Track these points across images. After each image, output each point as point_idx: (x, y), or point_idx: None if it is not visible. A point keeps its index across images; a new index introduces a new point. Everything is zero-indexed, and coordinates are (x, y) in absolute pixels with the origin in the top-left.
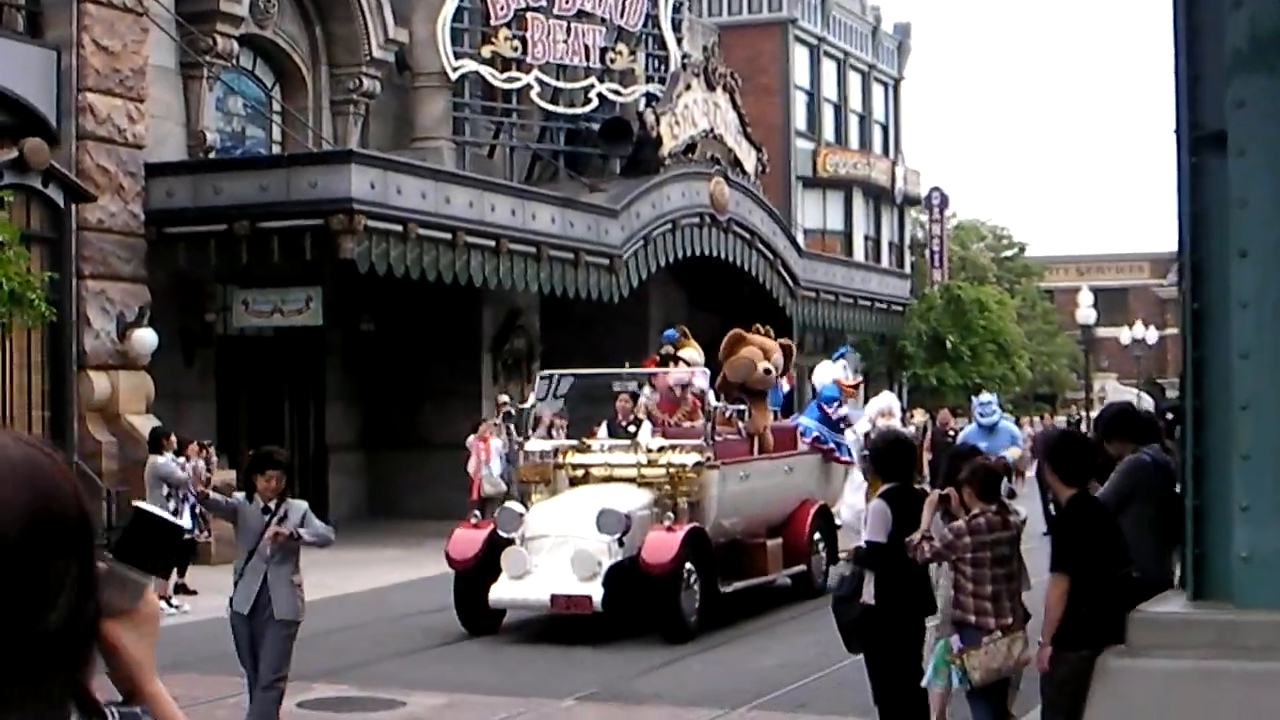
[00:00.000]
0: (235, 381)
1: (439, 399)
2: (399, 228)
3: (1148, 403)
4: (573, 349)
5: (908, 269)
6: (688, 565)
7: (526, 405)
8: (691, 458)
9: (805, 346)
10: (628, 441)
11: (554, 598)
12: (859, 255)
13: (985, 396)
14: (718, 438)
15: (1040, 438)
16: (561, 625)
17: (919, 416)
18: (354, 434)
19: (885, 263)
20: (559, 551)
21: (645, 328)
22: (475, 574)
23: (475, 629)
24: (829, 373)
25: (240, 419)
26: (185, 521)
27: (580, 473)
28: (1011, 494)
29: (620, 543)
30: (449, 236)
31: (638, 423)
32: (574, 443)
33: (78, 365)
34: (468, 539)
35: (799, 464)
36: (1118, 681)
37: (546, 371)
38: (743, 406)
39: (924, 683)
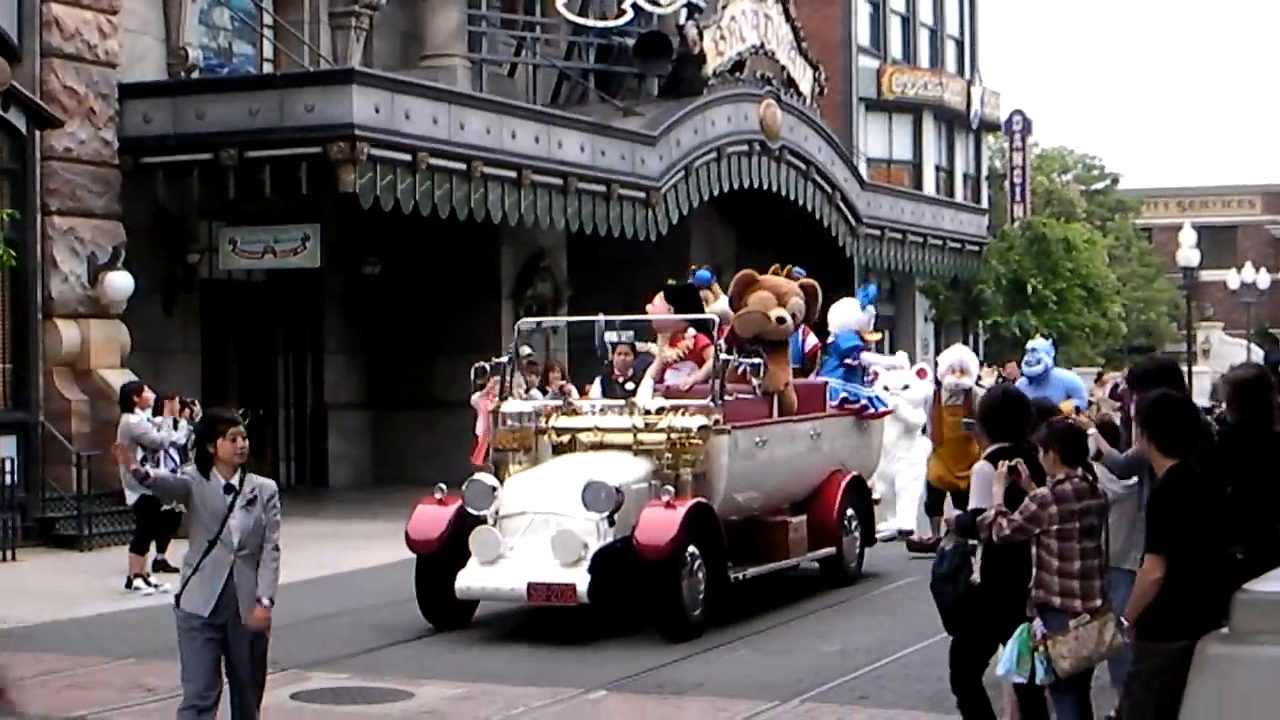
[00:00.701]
0: (222, 332)
1: (453, 352)
2: (407, 157)
3: (1257, 355)
4: (604, 295)
5: (985, 203)
6: (690, 548)
7: (503, 360)
8: (696, 421)
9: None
10: (622, 402)
11: (531, 587)
12: (929, 188)
13: (1034, 342)
14: (728, 397)
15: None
16: (586, 606)
17: (988, 377)
18: (356, 391)
19: (959, 197)
20: (538, 532)
21: (687, 271)
22: (440, 558)
23: (441, 622)
24: (848, 315)
25: (228, 374)
26: None
27: (565, 439)
28: (1098, 455)
29: (610, 521)
30: (463, 167)
31: (637, 379)
32: (558, 403)
33: (43, 313)
34: (431, 517)
35: (828, 428)
36: (1220, 671)
37: (528, 320)
38: (758, 360)
39: (1000, 673)
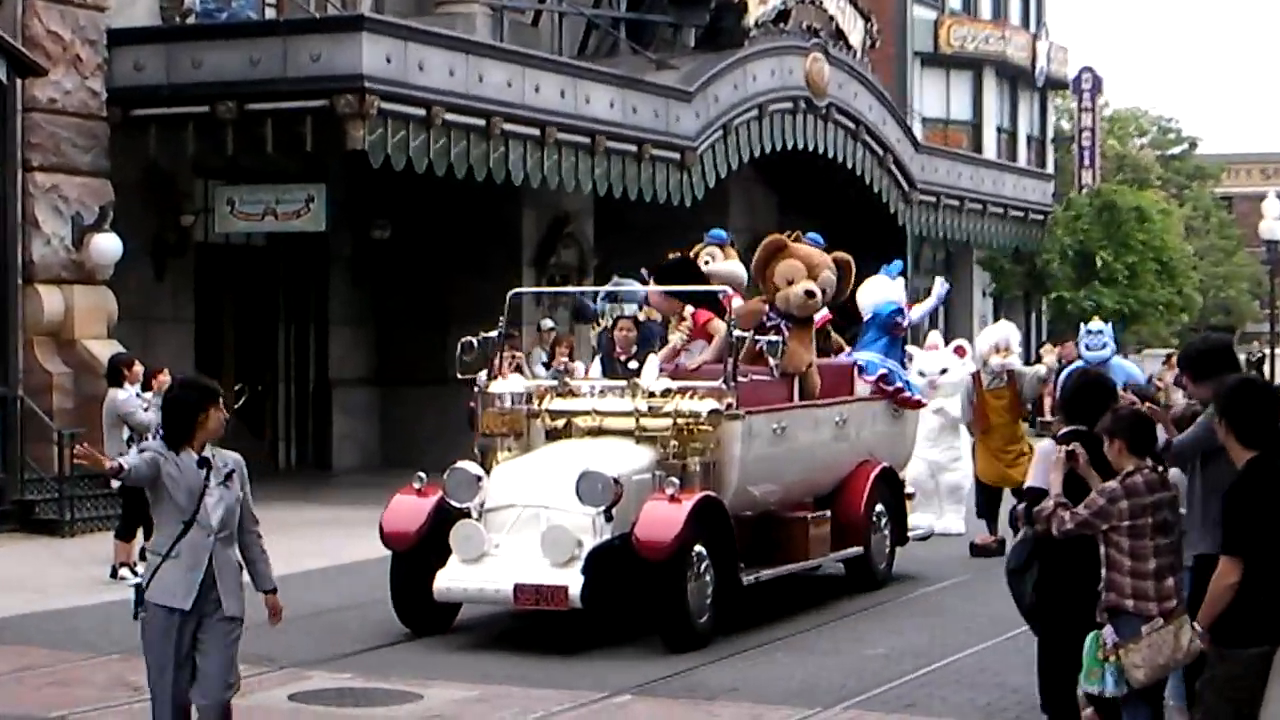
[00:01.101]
0: (217, 300)
1: (468, 323)
2: (421, 112)
3: None
4: (633, 263)
5: (1050, 168)
6: (697, 547)
7: (493, 334)
8: (706, 404)
9: (921, 264)
10: (623, 383)
11: (518, 589)
12: (990, 151)
13: (1095, 324)
14: (742, 379)
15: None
16: (579, 611)
17: (1049, 356)
18: (364, 366)
19: (1022, 161)
20: (527, 528)
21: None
22: (418, 555)
23: (419, 626)
24: (881, 290)
25: (224, 346)
26: None
27: (560, 423)
28: (1167, 445)
29: (608, 516)
30: (482, 123)
31: (642, 358)
32: (553, 383)
33: (23, 279)
34: (408, 509)
35: (856, 413)
36: None
37: (516, 290)
38: (776, 338)
39: (1080, 688)
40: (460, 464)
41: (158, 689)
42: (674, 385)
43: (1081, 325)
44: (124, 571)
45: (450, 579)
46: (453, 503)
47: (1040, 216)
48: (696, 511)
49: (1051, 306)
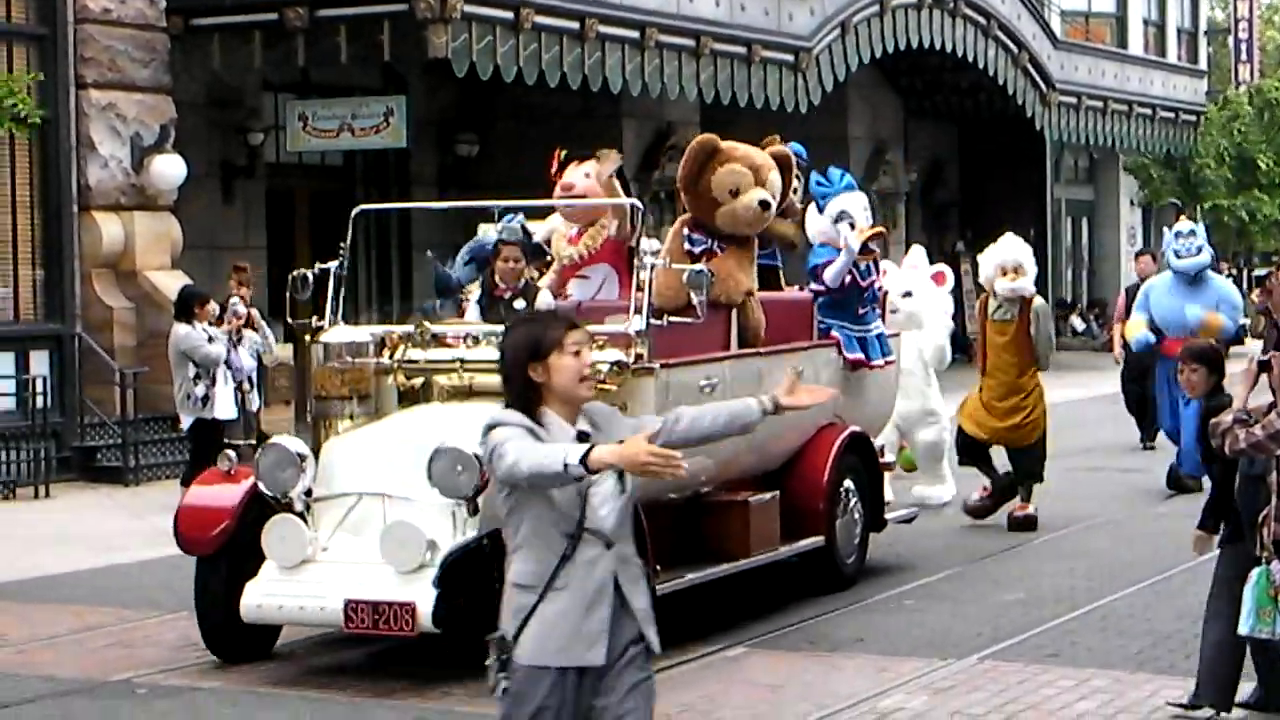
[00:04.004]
0: (289, 225)
1: None
2: (508, 14)
3: None
4: None
5: (1203, 64)
6: None
7: (332, 265)
8: (609, 355)
9: (1063, 171)
10: (502, 328)
11: (350, 607)
12: (1136, 46)
13: (1184, 224)
14: (658, 321)
15: None
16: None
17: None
18: None
19: (1172, 57)
20: (365, 525)
21: (844, 147)
22: (229, 560)
23: (229, 652)
24: (815, 228)
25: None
26: (220, 411)
27: (418, 381)
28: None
29: (472, 508)
30: (576, 26)
31: (528, 292)
32: (405, 329)
33: (79, 206)
34: (210, 500)
35: (814, 363)
36: None
37: (362, 207)
38: (700, 266)
39: (1242, 629)
40: (277, 439)
41: None
42: None
43: (1166, 229)
44: None
45: (263, 594)
46: (266, 491)
47: (1192, 117)
48: None
49: (1207, 215)
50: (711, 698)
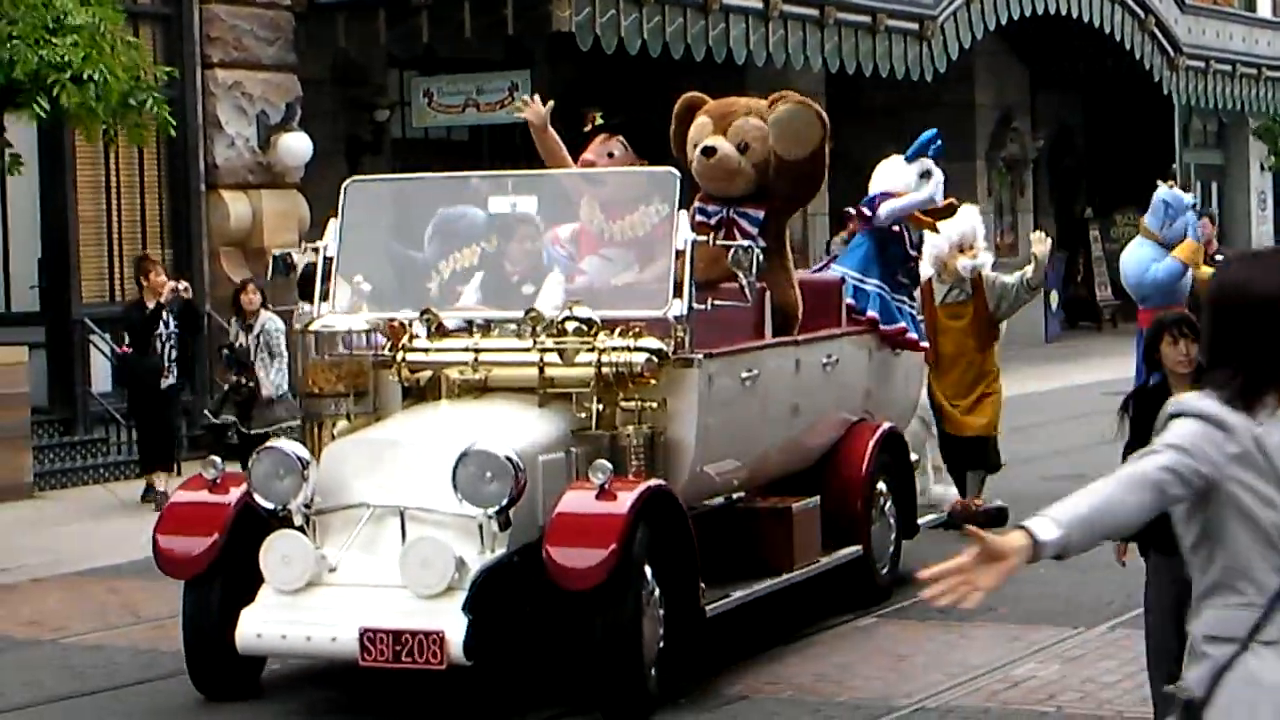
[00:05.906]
0: None
1: None
2: None
3: None
4: (869, 149)
5: None
6: (646, 567)
7: (320, 245)
8: (646, 345)
9: (1191, 136)
10: (518, 314)
11: (366, 636)
12: (1264, 9)
13: (1170, 192)
14: (699, 306)
15: None
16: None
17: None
18: None
19: None
20: (380, 541)
21: (970, 117)
22: (217, 584)
23: (216, 690)
24: (894, 176)
25: None
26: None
27: (425, 376)
28: None
29: (503, 520)
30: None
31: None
32: (409, 314)
33: (206, 184)
34: (193, 514)
35: (847, 352)
36: None
37: (358, 177)
38: (747, 243)
39: None
40: (274, 442)
41: None
42: (595, 315)
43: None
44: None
45: (262, 622)
46: (262, 502)
47: None
48: (638, 509)
49: None
50: (845, 667)
